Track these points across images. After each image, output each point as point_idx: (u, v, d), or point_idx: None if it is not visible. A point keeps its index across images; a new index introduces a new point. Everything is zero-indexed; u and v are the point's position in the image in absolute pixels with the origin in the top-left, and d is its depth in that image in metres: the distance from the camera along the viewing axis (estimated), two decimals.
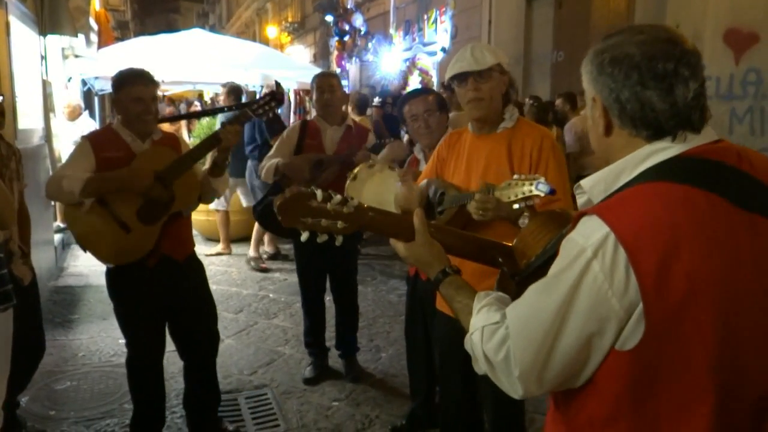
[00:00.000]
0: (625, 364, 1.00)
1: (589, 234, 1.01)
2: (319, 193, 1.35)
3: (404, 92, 6.43)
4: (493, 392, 2.30)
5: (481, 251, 1.47)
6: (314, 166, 3.48)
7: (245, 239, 6.60)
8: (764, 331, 1.00)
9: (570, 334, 1.02)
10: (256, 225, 6.10)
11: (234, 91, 6.30)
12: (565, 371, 1.05)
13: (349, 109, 6.60)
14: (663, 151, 1.05)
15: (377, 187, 3.00)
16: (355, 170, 3.05)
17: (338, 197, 1.36)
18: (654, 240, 0.97)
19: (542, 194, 1.82)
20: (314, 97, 3.70)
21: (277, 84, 3.17)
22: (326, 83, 3.66)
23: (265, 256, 6.44)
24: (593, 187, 1.13)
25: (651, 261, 0.96)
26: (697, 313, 0.96)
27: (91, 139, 2.74)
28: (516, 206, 1.84)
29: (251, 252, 6.22)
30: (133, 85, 2.66)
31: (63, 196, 2.61)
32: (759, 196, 1.04)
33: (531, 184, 1.82)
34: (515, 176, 1.89)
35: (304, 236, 1.37)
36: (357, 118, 6.47)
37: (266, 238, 6.47)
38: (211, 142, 2.75)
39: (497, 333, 1.11)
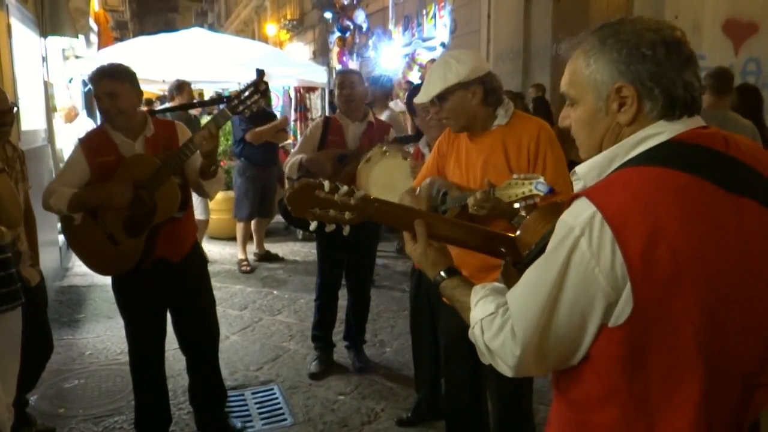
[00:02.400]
0: (617, 340, 1.04)
1: (578, 214, 1.05)
2: (326, 184, 1.41)
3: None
4: (498, 383, 2.33)
5: (485, 242, 1.51)
6: (337, 161, 3.55)
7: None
8: (748, 311, 1.03)
9: (563, 311, 1.06)
10: (240, 228, 6.12)
11: (179, 88, 6.00)
12: (562, 348, 1.09)
13: None
14: (654, 137, 1.09)
15: (387, 171, 3.18)
16: (369, 153, 3.22)
17: (345, 188, 1.41)
18: (640, 219, 1.00)
19: (541, 194, 1.86)
20: (336, 93, 3.78)
21: (260, 72, 2.90)
22: (346, 80, 3.74)
23: (253, 257, 6.34)
24: (588, 173, 1.16)
25: (637, 240, 0.99)
26: (683, 291, 0.99)
27: (83, 145, 2.72)
28: (516, 205, 1.87)
29: (239, 254, 6.15)
30: (93, 82, 2.66)
31: (53, 210, 2.67)
32: (745, 179, 1.06)
33: (530, 184, 1.86)
34: (515, 176, 1.92)
35: (313, 225, 1.44)
36: None
37: (255, 239, 6.42)
38: (187, 149, 2.60)
39: (494, 322, 1.17)
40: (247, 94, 2.64)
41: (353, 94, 3.70)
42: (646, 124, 1.10)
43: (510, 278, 1.38)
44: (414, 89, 3.47)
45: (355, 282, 3.91)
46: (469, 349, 1.26)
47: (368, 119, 3.78)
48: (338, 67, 14.72)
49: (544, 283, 1.08)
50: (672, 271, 0.98)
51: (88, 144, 2.73)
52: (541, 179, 1.84)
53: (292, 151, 3.78)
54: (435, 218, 1.50)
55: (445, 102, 2.17)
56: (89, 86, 9.14)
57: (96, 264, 2.76)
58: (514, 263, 1.41)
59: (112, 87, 2.61)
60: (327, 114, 6.01)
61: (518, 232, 1.46)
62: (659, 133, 1.08)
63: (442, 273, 1.40)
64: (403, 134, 4.55)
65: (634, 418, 1.06)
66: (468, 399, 2.47)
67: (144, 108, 2.81)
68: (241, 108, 2.64)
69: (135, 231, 2.64)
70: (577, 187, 1.20)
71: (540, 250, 1.27)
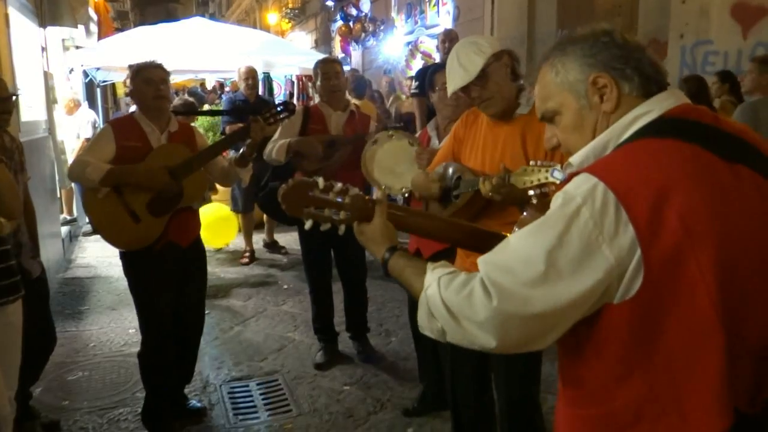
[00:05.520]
0: (628, 314, 1.01)
1: (579, 185, 1.03)
2: (320, 181, 1.38)
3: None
4: (505, 372, 2.29)
5: (484, 242, 1.48)
6: (327, 146, 3.50)
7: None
8: (762, 278, 1.01)
9: (555, 282, 1.00)
10: (242, 220, 6.06)
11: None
12: (547, 320, 1.03)
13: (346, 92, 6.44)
14: (645, 115, 1.09)
15: (392, 153, 3.23)
16: (376, 136, 3.28)
17: (339, 186, 1.38)
18: (644, 184, 0.98)
19: (557, 181, 1.81)
20: (319, 82, 3.71)
21: (290, 94, 3.47)
22: (332, 69, 3.70)
23: (261, 245, 6.32)
24: (583, 161, 1.15)
25: (643, 204, 0.97)
26: (695, 253, 0.96)
27: (114, 126, 2.93)
28: (531, 192, 1.83)
29: (245, 245, 6.12)
30: (144, 69, 2.87)
31: (84, 180, 2.81)
32: (739, 148, 1.07)
33: (547, 171, 1.81)
34: (531, 162, 1.88)
35: (308, 225, 1.40)
36: (358, 102, 6.41)
37: (265, 228, 6.39)
38: (219, 146, 3.00)
39: (456, 278, 1.11)
40: (279, 110, 3.09)
41: (339, 84, 3.68)
42: (632, 105, 1.11)
43: None
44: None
45: (346, 274, 3.85)
46: None
47: (350, 109, 3.76)
48: (341, 55, 14.61)
49: (536, 251, 1.02)
50: (681, 233, 0.96)
51: (118, 127, 2.94)
52: (558, 167, 1.79)
53: (273, 138, 3.67)
54: (431, 217, 1.49)
55: (486, 78, 2.10)
56: (90, 77, 9.07)
57: (114, 237, 2.88)
58: None
59: (166, 75, 2.92)
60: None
61: (515, 229, 1.44)
62: (649, 111, 1.09)
63: (396, 246, 1.36)
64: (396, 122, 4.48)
65: (661, 390, 1.02)
66: (474, 389, 2.43)
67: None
68: (272, 121, 3.07)
69: (159, 211, 2.83)
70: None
71: None
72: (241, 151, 3.01)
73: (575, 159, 1.16)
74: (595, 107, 1.14)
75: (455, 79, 2.14)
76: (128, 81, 2.94)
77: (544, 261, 1.01)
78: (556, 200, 1.06)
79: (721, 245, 0.98)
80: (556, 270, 1.00)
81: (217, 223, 6.05)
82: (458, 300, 1.07)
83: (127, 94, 3.16)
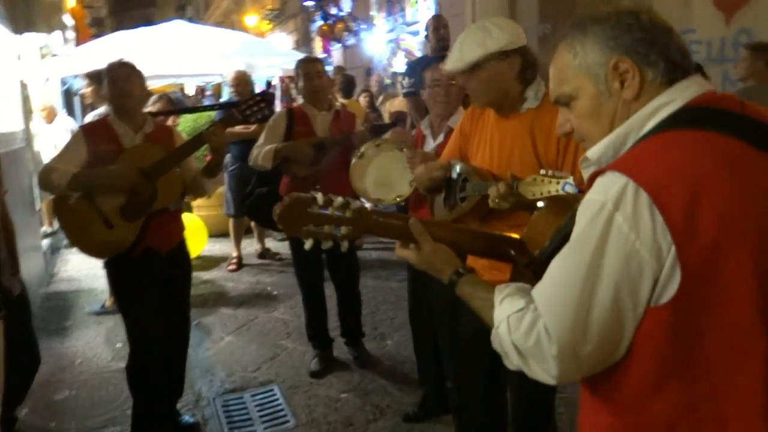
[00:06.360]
0: (665, 318, 0.95)
1: (607, 188, 0.96)
2: (319, 197, 1.30)
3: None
4: (518, 374, 2.21)
5: (492, 247, 1.42)
6: (316, 149, 3.41)
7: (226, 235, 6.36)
8: None
9: (604, 297, 0.96)
10: (230, 225, 5.94)
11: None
12: (605, 340, 0.98)
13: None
14: (667, 105, 1.03)
15: (383, 166, 3.10)
16: (362, 148, 3.13)
17: (339, 200, 1.31)
18: (677, 181, 0.92)
19: None
20: (301, 83, 3.62)
21: (269, 83, 3.27)
22: (314, 69, 3.62)
23: (255, 252, 6.19)
24: (602, 156, 1.08)
25: (677, 201, 0.91)
26: (734, 252, 0.91)
27: (85, 131, 2.89)
28: (540, 204, 1.75)
29: (233, 252, 5.98)
30: (110, 70, 2.83)
31: (52, 187, 2.73)
32: None
33: (558, 184, 1.72)
34: (542, 172, 1.78)
35: (308, 245, 1.32)
36: (345, 101, 6.32)
37: (256, 234, 6.26)
38: (194, 143, 2.81)
39: (524, 319, 1.05)
40: (256, 100, 2.88)
41: (322, 84, 3.61)
42: (655, 93, 1.04)
43: (523, 281, 1.28)
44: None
45: (339, 278, 3.77)
46: (489, 344, 1.15)
47: (334, 108, 3.68)
48: (323, 55, 14.50)
49: (577, 271, 0.97)
50: (719, 231, 0.90)
51: (90, 131, 2.91)
52: (570, 180, 1.69)
53: (257, 143, 3.57)
54: (436, 224, 1.43)
55: (479, 71, 1.99)
56: (68, 84, 8.85)
57: (87, 246, 2.81)
58: (527, 264, 1.31)
59: (132, 71, 2.83)
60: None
61: (526, 231, 1.38)
62: (672, 101, 1.03)
63: (459, 270, 1.28)
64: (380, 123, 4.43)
65: (698, 399, 0.96)
66: (483, 394, 2.35)
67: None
68: (248, 113, 2.86)
69: (132, 216, 2.74)
70: (588, 174, 1.10)
71: (561, 241, 1.17)
72: (207, 162, 2.91)
73: (593, 153, 1.09)
74: (614, 94, 1.06)
75: (450, 60, 2.05)
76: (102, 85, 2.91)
77: (586, 281, 0.97)
78: (586, 210, 0.99)
79: (760, 242, 0.92)
80: (599, 285, 0.96)
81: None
82: (527, 347, 1.04)
83: (91, 103, 3.16)
